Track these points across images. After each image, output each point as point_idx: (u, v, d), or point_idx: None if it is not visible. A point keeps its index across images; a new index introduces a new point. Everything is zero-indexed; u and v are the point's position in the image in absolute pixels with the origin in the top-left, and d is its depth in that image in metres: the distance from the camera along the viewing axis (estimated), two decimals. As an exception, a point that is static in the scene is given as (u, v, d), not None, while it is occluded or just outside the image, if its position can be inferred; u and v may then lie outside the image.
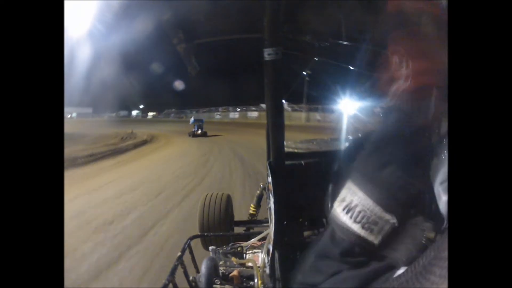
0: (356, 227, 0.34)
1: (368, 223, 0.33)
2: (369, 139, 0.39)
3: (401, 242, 0.33)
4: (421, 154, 0.38)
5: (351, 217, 0.34)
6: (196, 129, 13.79)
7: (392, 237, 0.33)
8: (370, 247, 0.33)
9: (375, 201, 0.33)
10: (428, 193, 0.33)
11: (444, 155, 0.28)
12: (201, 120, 14.30)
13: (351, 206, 0.34)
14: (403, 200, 0.33)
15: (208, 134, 13.34)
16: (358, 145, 0.43)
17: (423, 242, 0.32)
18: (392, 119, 0.39)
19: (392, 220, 0.33)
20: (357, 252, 0.34)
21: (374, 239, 0.33)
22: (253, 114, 27.52)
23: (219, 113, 34.87)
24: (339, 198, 0.37)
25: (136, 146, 10.06)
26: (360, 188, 0.35)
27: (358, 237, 0.33)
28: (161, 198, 3.91)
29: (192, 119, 14.69)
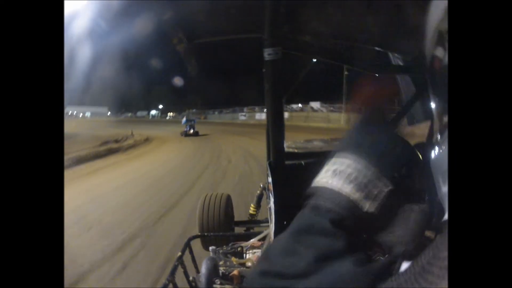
0: (348, 189, 0.27)
1: (363, 184, 0.27)
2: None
3: (399, 225, 0.28)
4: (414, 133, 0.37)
5: (340, 179, 0.28)
6: (188, 128, 14.47)
7: (390, 212, 0.28)
8: (366, 217, 0.27)
9: (369, 162, 0.28)
10: (429, 182, 0.30)
11: (445, 147, 0.27)
12: (193, 120, 15.16)
13: (340, 170, 0.28)
14: (399, 166, 0.29)
15: (223, 139, 13.10)
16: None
17: (422, 230, 0.29)
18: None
19: (389, 186, 0.27)
20: (349, 224, 0.27)
21: (370, 206, 0.27)
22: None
23: (243, 113, 30.93)
24: (322, 171, 0.31)
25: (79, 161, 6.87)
26: (348, 154, 0.29)
27: (351, 201, 0.27)
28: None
29: (184, 120, 15.60)
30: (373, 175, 0.28)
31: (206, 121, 33.41)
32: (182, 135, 14.18)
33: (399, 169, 0.29)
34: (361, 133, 0.33)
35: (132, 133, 13.67)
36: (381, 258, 0.27)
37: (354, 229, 0.27)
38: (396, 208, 0.29)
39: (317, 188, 0.30)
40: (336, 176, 0.28)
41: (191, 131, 14.25)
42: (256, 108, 29.74)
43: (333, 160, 0.31)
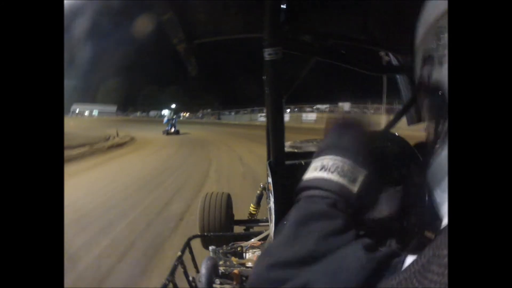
0: (334, 176, 0.34)
1: (343, 172, 0.34)
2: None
3: (381, 203, 0.36)
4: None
5: (327, 171, 0.35)
6: (169, 127, 15.17)
7: (370, 191, 0.35)
8: (350, 196, 0.33)
9: (344, 157, 0.35)
10: (426, 184, 0.33)
11: (442, 154, 0.28)
12: (173, 119, 15.74)
13: (323, 165, 0.36)
14: (370, 156, 0.36)
15: (225, 149, 10.08)
16: None
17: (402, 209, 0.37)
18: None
19: (364, 171, 0.35)
20: (342, 205, 0.33)
21: (354, 187, 0.34)
22: (309, 116, 20.36)
23: (263, 114, 26.77)
24: (310, 168, 0.37)
25: None
26: (327, 153, 0.37)
27: (340, 185, 0.33)
28: None
29: (166, 119, 16.18)
30: (350, 165, 0.35)
31: (219, 122, 30.45)
32: (164, 134, 14.60)
33: (370, 158, 0.37)
34: (337, 136, 0.41)
35: (117, 133, 12.58)
36: (386, 248, 0.31)
37: (347, 209, 0.33)
38: (374, 190, 0.37)
39: (309, 180, 0.36)
40: (324, 170, 0.35)
41: (172, 129, 15.06)
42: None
43: (318, 158, 0.38)
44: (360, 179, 0.34)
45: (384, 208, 0.37)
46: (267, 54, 0.67)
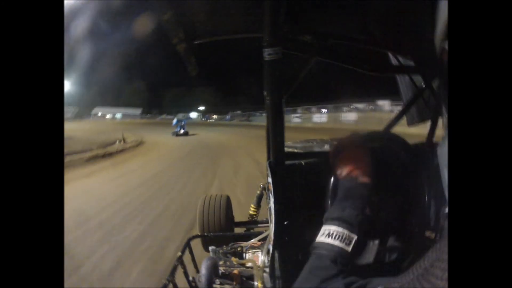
0: (336, 243, 0.51)
1: (342, 238, 0.51)
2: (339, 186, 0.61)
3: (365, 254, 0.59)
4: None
5: (331, 238, 0.52)
6: (178, 129, 15.72)
7: (358, 250, 0.52)
8: (346, 254, 0.49)
9: (343, 227, 0.52)
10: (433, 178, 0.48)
11: (443, 152, 0.28)
12: (183, 121, 16.37)
13: (329, 233, 0.53)
14: (361, 226, 0.53)
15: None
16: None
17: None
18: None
19: (356, 236, 0.52)
20: (340, 261, 0.48)
21: (348, 248, 0.50)
22: (349, 116, 18.51)
23: (298, 115, 24.69)
24: (320, 233, 0.55)
25: None
26: (332, 223, 0.54)
27: (338, 247, 0.50)
28: None
29: (175, 120, 16.75)
30: (346, 233, 0.52)
31: (249, 123, 28.92)
32: (172, 135, 14.99)
33: (362, 228, 0.54)
34: (338, 209, 0.57)
35: (123, 139, 10.65)
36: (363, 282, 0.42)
37: (344, 261, 0.49)
38: (362, 246, 0.57)
39: (319, 243, 0.53)
40: (329, 237, 0.52)
41: (181, 131, 15.58)
42: (313, 109, 24.09)
43: (326, 225, 0.55)
44: (353, 241, 0.51)
45: (368, 255, 0.61)
46: (267, 54, 0.67)
